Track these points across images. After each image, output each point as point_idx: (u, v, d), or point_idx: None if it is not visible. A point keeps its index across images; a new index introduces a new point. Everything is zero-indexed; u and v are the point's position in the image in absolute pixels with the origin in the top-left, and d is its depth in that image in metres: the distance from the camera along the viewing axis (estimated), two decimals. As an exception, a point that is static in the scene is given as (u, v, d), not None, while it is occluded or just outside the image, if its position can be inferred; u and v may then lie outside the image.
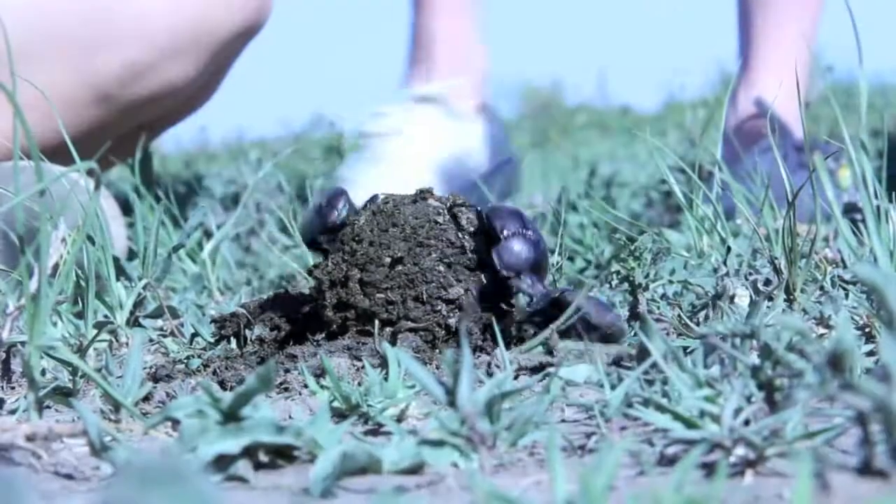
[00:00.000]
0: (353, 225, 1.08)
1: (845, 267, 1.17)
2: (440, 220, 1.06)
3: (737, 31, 2.26)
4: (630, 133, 5.41)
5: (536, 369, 0.99)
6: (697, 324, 1.06)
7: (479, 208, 1.06)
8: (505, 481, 0.67)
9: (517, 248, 1.01)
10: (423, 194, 1.09)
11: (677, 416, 0.71)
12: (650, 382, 0.79)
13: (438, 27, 1.97)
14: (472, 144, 1.95)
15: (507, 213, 1.04)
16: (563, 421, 0.84)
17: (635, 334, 1.04)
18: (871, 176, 0.98)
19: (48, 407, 0.96)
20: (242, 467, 0.70)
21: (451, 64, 1.97)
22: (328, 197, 1.11)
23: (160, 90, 1.79)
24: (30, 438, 0.75)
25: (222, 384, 1.01)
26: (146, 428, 0.76)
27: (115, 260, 1.18)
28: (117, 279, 1.18)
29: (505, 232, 1.02)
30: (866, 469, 0.59)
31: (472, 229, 1.06)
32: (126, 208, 1.73)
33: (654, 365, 0.79)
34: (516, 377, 0.96)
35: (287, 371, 1.00)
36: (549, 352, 1.04)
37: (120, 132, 1.84)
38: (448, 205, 1.08)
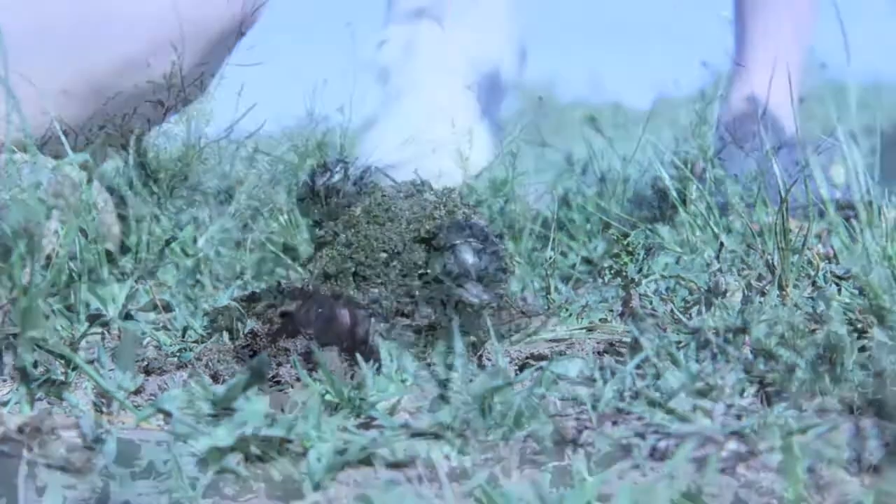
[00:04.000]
0: (348, 217, 1.07)
1: (838, 262, 1.17)
2: (436, 214, 1.06)
3: (732, 28, 2.26)
4: (623, 129, 5.41)
5: (528, 360, 0.99)
6: (690, 319, 1.06)
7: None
8: (497, 475, 0.67)
9: (461, 256, 1.00)
10: (419, 188, 1.08)
11: (669, 411, 0.71)
12: (642, 377, 0.80)
13: None
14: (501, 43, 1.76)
15: (460, 225, 1.03)
16: (555, 415, 0.84)
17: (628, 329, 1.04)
18: (864, 172, 0.98)
19: (40, 399, 0.95)
20: (234, 460, 0.70)
21: None
22: (326, 161, 1.09)
23: (153, 84, 1.79)
24: (22, 430, 0.75)
25: (215, 377, 1.01)
26: (138, 420, 0.76)
27: (108, 253, 1.18)
28: (110, 272, 1.17)
29: (448, 242, 1.02)
30: (858, 463, 0.59)
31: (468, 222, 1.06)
32: (119, 201, 1.72)
33: (646, 359, 0.79)
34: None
35: (279, 364, 1.00)
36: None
37: (113, 126, 1.84)
38: (444, 199, 1.08)
